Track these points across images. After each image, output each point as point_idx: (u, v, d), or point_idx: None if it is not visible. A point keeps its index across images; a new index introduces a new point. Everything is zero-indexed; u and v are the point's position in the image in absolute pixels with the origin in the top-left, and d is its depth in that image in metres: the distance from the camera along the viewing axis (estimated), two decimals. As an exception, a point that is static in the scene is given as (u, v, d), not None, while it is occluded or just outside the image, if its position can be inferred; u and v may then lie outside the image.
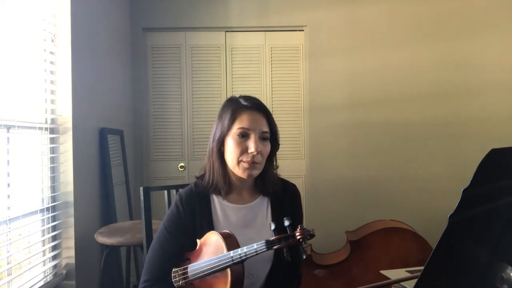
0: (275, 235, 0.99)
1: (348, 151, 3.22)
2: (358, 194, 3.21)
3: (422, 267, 0.68)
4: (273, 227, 1.00)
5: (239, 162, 1.16)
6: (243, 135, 1.16)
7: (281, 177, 1.34)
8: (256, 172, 1.18)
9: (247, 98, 1.23)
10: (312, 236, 0.97)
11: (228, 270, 1.04)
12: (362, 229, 2.69)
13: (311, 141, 3.23)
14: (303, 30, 3.27)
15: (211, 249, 1.11)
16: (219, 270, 1.05)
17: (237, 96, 1.25)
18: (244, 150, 1.15)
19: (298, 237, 0.96)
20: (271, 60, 3.27)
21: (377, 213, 3.03)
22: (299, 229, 0.96)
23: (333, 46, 3.23)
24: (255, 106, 1.20)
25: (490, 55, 3.21)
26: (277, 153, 1.13)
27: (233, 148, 1.16)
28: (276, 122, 1.29)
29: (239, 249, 1.02)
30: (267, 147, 1.19)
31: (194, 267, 1.12)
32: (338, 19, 3.23)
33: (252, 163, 1.15)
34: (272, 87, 3.27)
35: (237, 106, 1.19)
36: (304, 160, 3.27)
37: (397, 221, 2.71)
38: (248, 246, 1.01)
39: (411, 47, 3.23)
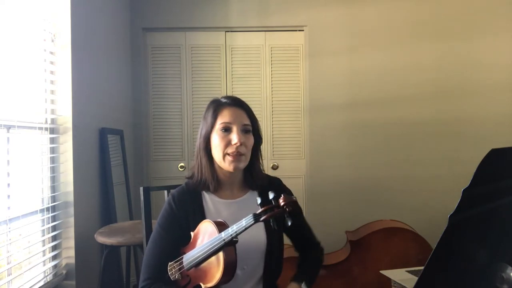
0: (261, 208, 1.04)
1: (348, 151, 3.22)
2: (358, 194, 3.21)
3: (422, 267, 0.68)
4: (259, 201, 1.04)
5: (224, 155, 1.23)
6: (226, 129, 1.23)
7: (268, 175, 1.41)
8: (243, 165, 1.24)
9: (227, 97, 1.31)
10: (295, 202, 1.02)
11: (221, 254, 1.08)
12: (362, 229, 2.69)
13: (311, 141, 3.23)
14: (303, 30, 3.27)
15: (204, 236, 1.15)
16: (212, 254, 1.09)
17: (219, 97, 1.33)
18: (228, 143, 1.22)
19: (282, 204, 1.01)
20: (271, 60, 3.27)
21: (377, 213, 3.03)
22: (282, 198, 1.02)
23: (333, 46, 3.23)
24: (234, 102, 1.28)
25: (490, 55, 3.21)
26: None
27: (218, 143, 1.23)
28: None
29: (229, 228, 1.06)
30: (250, 139, 1.26)
31: (188, 256, 1.16)
32: (338, 19, 3.23)
33: (237, 155, 1.21)
34: (272, 87, 3.27)
35: (218, 104, 1.28)
36: (304, 160, 3.27)
37: (397, 221, 2.71)
38: (237, 223, 1.05)
39: (411, 47, 3.22)
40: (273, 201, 1.03)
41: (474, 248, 0.75)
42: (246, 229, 1.04)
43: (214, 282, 1.09)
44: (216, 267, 1.09)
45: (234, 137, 1.21)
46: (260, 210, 1.03)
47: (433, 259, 0.66)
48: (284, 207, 1.01)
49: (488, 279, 0.75)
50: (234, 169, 1.22)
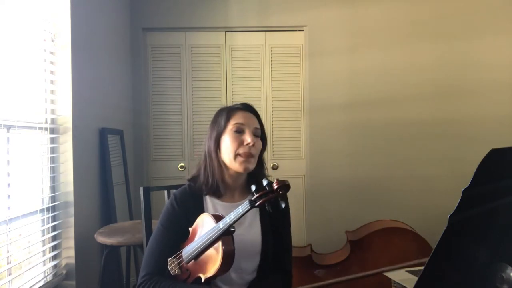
0: (256, 194, 1.08)
1: (348, 151, 3.22)
2: (358, 194, 3.21)
3: (422, 267, 0.68)
4: (254, 188, 1.09)
5: (236, 156, 1.25)
6: (239, 131, 1.27)
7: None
8: (252, 166, 1.27)
9: (241, 103, 1.36)
10: (287, 186, 1.06)
11: (219, 244, 1.11)
12: (362, 229, 2.69)
13: (311, 141, 3.23)
14: (303, 30, 3.27)
15: (203, 228, 1.18)
16: (211, 244, 1.13)
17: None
18: (240, 143, 1.25)
19: (276, 188, 1.06)
20: (271, 60, 3.27)
21: (377, 213, 3.03)
22: (276, 182, 1.07)
23: (333, 46, 3.23)
24: (247, 107, 1.34)
25: (490, 55, 3.21)
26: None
27: (230, 143, 1.26)
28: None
29: (227, 217, 1.11)
30: (260, 143, 1.30)
31: (187, 249, 1.19)
32: (338, 19, 3.23)
33: (249, 156, 1.24)
34: (272, 87, 3.27)
35: (230, 108, 1.33)
36: (304, 160, 3.27)
37: (397, 221, 2.71)
38: (234, 211, 1.10)
39: (411, 47, 3.22)
40: (267, 187, 1.08)
41: (474, 248, 0.75)
42: (242, 215, 1.08)
43: (213, 271, 1.11)
44: (215, 257, 1.12)
45: (248, 138, 1.25)
46: (255, 196, 1.07)
47: (433, 259, 0.66)
48: (278, 190, 1.06)
49: (488, 279, 0.75)
50: (244, 170, 1.25)
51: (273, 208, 1.08)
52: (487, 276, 0.75)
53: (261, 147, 1.30)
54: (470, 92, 3.21)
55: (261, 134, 1.31)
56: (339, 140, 3.23)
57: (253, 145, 1.24)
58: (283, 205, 1.06)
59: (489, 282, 0.75)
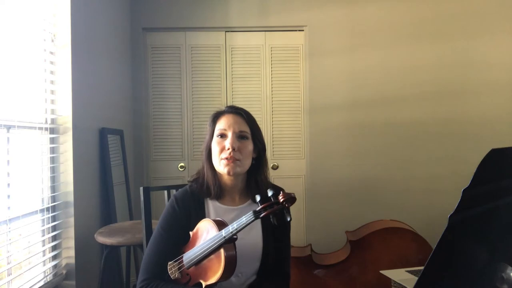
0: (260, 205, 1.06)
1: (348, 151, 3.22)
2: (358, 194, 3.21)
3: (422, 267, 0.68)
4: (258, 198, 1.08)
5: (220, 160, 1.25)
6: (222, 136, 1.28)
7: (273, 184, 1.40)
8: (239, 170, 1.26)
9: (228, 106, 1.36)
10: (293, 199, 1.04)
11: (221, 251, 1.10)
12: (362, 229, 2.69)
13: (311, 141, 3.23)
14: (303, 30, 3.27)
15: (204, 234, 1.17)
16: (213, 251, 1.11)
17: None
18: (222, 148, 1.26)
19: (281, 200, 1.04)
20: (271, 60, 3.27)
21: (377, 213, 3.03)
22: (281, 194, 1.05)
23: (333, 46, 3.23)
24: (233, 110, 1.32)
25: (490, 55, 3.21)
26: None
27: (214, 148, 1.28)
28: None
29: (229, 226, 1.09)
30: (247, 145, 1.28)
31: (189, 254, 1.18)
32: (338, 19, 3.23)
33: (231, 160, 1.23)
34: (272, 87, 3.27)
35: (217, 113, 1.34)
36: (304, 160, 3.27)
37: (397, 221, 2.71)
38: (237, 220, 1.08)
39: (411, 47, 3.23)
40: (272, 198, 1.06)
41: (474, 248, 0.74)
42: (246, 226, 1.07)
43: (215, 279, 1.10)
44: (217, 264, 1.11)
45: (227, 142, 1.24)
46: (260, 207, 1.05)
47: (433, 259, 0.66)
48: (284, 203, 1.04)
49: (488, 279, 0.75)
50: (228, 173, 1.24)
51: (278, 221, 1.06)
52: (487, 276, 0.75)
53: (249, 149, 1.28)
54: (470, 92, 3.21)
55: (253, 135, 1.29)
56: (339, 140, 3.23)
57: (233, 150, 1.23)
58: (288, 219, 1.04)
59: (489, 282, 0.75)
